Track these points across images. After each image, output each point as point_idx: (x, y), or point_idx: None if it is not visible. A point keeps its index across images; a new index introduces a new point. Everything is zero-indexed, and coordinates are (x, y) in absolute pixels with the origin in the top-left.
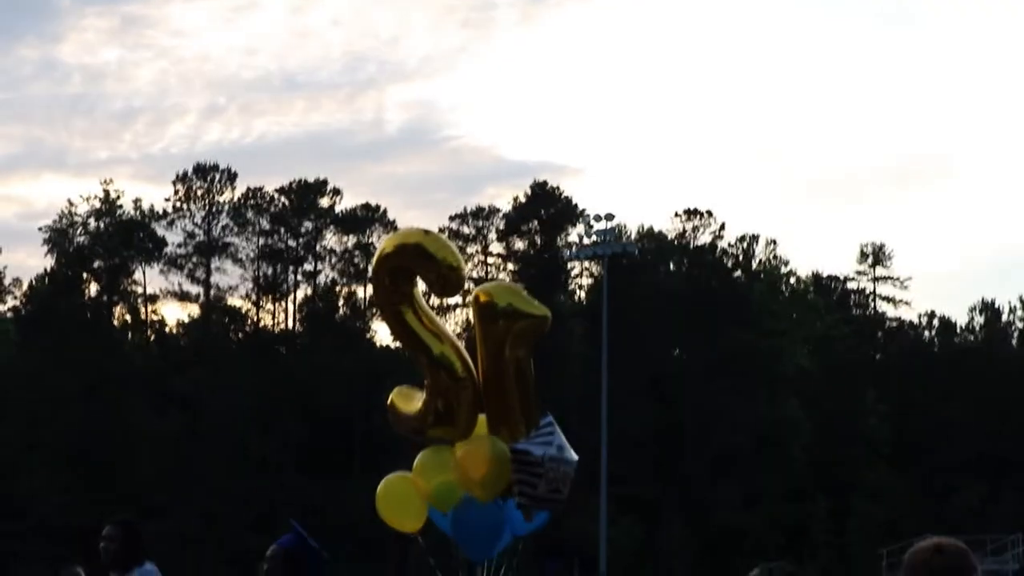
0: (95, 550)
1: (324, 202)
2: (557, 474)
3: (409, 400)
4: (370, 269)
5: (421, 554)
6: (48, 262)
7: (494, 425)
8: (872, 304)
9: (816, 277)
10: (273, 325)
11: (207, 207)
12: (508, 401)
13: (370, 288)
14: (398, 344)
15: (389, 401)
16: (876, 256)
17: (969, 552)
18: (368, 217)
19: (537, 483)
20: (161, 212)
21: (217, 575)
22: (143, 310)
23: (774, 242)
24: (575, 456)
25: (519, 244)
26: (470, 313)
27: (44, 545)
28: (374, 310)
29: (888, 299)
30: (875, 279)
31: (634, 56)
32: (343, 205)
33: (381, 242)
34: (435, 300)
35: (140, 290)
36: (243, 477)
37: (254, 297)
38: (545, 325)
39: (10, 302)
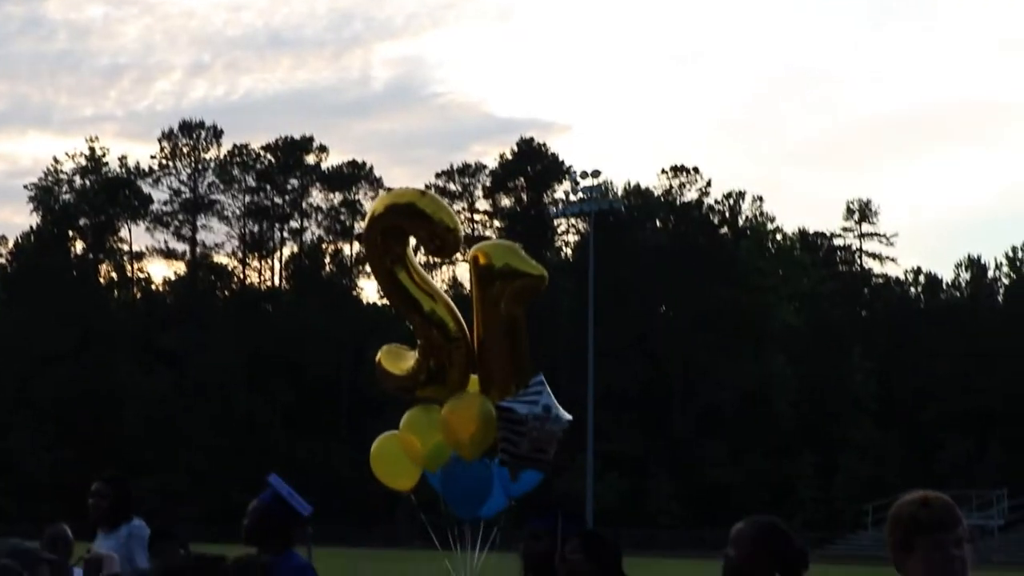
0: (82, 507)
1: (310, 159)
2: (541, 433)
3: (398, 359)
4: (363, 228)
5: (412, 510)
6: (34, 220)
7: (486, 385)
8: (858, 261)
9: (802, 234)
10: (259, 282)
11: (193, 164)
12: (501, 361)
13: (356, 245)
14: (385, 301)
15: (377, 359)
16: (862, 213)
17: (955, 505)
18: (354, 174)
19: (520, 441)
20: (147, 169)
21: (203, 532)
22: (129, 267)
23: (760, 199)
24: (566, 416)
25: (506, 201)
26: (456, 270)
27: (30, 502)
28: (360, 267)
29: (874, 256)
30: (861, 236)
31: (622, 13)
32: (329, 162)
33: (375, 201)
34: (420, 257)
35: (126, 247)
36: (229, 434)
37: (240, 254)
38: (542, 284)
39: None
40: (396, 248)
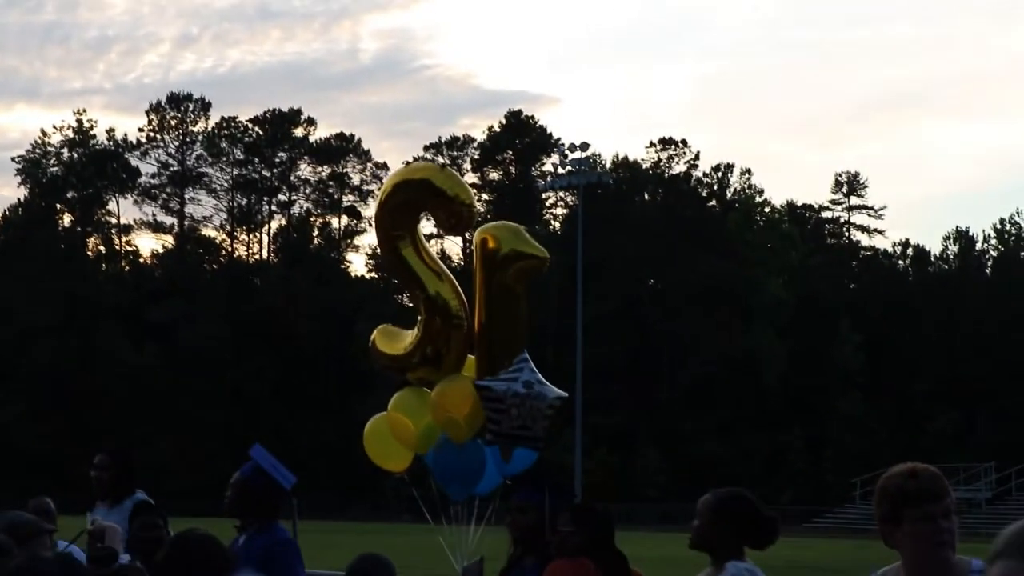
0: (68, 480)
1: (298, 132)
2: (523, 410)
3: (394, 339)
4: (377, 201)
5: (398, 485)
6: (22, 192)
7: (483, 366)
8: (846, 233)
9: (791, 206)
10: (247, 256)
11: (181, 137)
12: (501, 342)
13: (344, 218)
14: (373, 275)
15: (372, 339)
16: (851, 185)
17: (942, 476)
18: (342, 147)
19: (500, 419)
20: (135, 142)
21: (191, 506)
22: (117, 241)
23: (749, 171)
24: (554, 393)
25: (494, 174)
26: (443, 244)
27: (17, 474)
28: (349, 240)
29: (862, 228)
30: (849, 208)
31: None
32: (317, 135)
33: (390, 175)
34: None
35: (114, 221)
36: (217, 407)
37: (228, 227)
38: (545, 266)
39: None
40: (407, 224)
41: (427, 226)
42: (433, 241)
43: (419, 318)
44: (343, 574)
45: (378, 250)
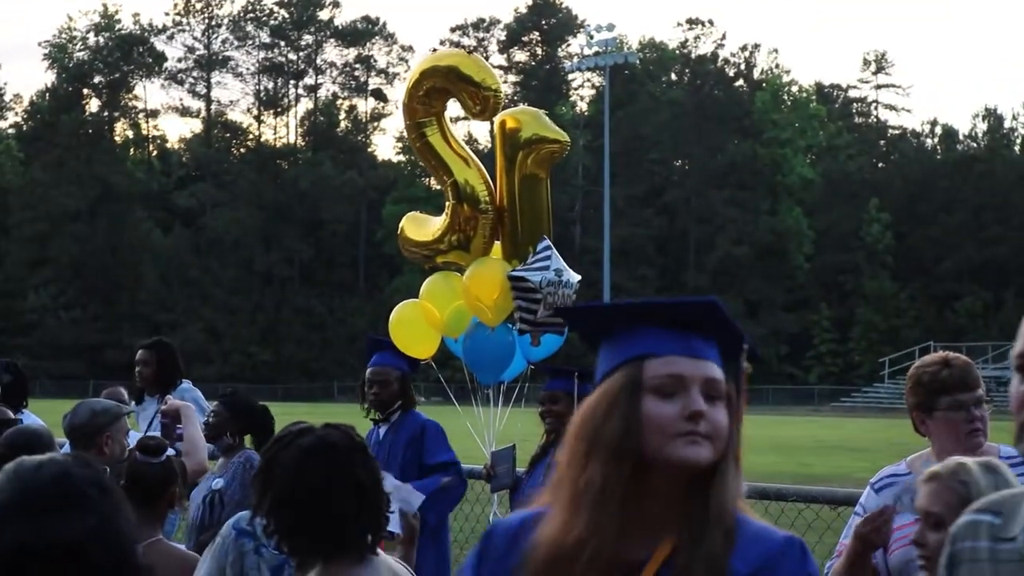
0: (105, 365)
1: (323, 15)
2: (555, 299)
3: (422, 225)
4: (405, 88)
5: (425, 368)
6: (49, 78)
7: (509, 251)
8: (874, 112)
9: (818, 86)
10: (275, 140)
11: (207, 21)
12: (525, 227)
13: (371, 101)
14: (400, 158)
15: (400, 227)
16: (878, 64)
17: (974, 365)
18: (368, 30)
19: (536, 309)
20: (160, 26)
21: (219, 390)
22: (144, 125)
23: (776, 51)
24: (575, 277)
25: (520, 56)
26: (471, 128)
27: (52, 360)
28: (375, 124)
29: (890, 107)
30: (877, 87)
31: None
32: (343, 18)
33: (419, 62)
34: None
35: (141, 105)
36: (247, 292)
37: (255, 112)
38: (565, 150)
39: (11, 119)
40: (434, 110)
41: (455, 109)
42: (460, 123)
43: (447, 203)
44: None
45: (405, 133)
